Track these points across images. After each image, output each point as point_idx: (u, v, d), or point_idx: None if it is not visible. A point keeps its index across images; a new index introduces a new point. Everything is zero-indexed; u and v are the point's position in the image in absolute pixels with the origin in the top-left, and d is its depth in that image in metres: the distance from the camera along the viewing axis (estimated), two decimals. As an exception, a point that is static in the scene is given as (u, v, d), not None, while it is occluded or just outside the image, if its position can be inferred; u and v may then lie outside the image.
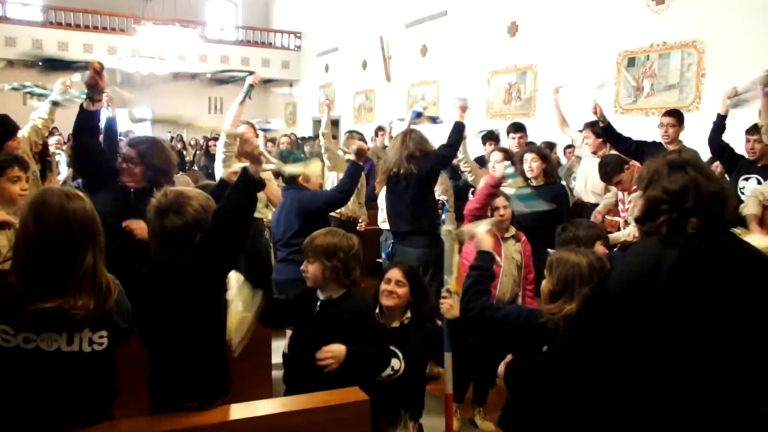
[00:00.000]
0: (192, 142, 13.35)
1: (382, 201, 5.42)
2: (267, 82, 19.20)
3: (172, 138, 12.38)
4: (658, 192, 1.94)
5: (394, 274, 2.97)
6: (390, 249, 5.35)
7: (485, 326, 2.46)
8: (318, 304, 2.68)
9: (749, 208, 3.67)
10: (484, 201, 3.61)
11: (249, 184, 2.24)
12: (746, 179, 4.30)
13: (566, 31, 9.04)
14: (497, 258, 2.83)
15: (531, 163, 4.62)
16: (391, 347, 2.84)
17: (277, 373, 3.98)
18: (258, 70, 17.78)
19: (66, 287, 1.84)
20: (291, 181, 4.10)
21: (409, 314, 2.97)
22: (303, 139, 10.58)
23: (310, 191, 4.13)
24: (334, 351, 2.48)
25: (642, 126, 6.97)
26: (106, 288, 1.93)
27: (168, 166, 3.31)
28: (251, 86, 4.63)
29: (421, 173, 4.29)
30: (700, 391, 1.87)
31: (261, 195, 4.40)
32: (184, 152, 11.51)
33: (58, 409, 1.92)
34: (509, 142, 5.76)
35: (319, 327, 2.63)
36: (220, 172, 4.38)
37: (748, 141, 4.51)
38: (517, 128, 5.80)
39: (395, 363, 2.82)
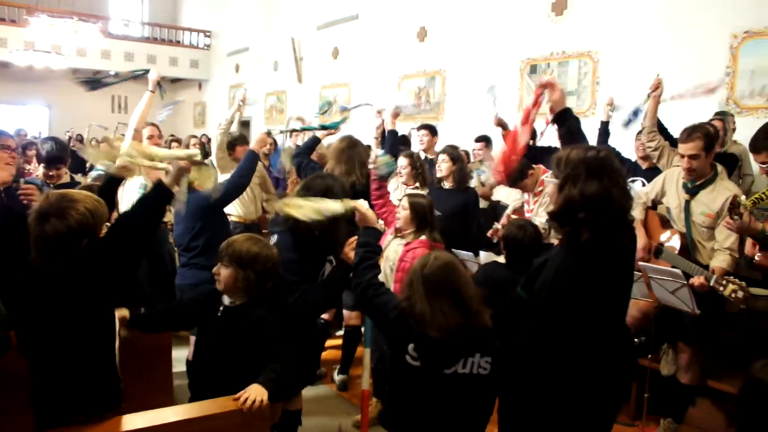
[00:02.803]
0: (93, 143, 12.77)
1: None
2: (175, 81, 18.66)
3: (70, 138, 11.77)
4: (576, 195, 2.04)
5: None
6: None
7: (366, 305, 2.54)
8: (221, 309, 2.63)
9: (635, 212, 3.90)
10: (375, 190, 3.90)
11: (163, 197, 2.26)
12: (633, 181, 4.59)
13: (473, 39, 9.30)
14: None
15: (441, 164, 4.77)
16: None
17: (180, 382, 3.91)
18: (165, 68, 17.34)
19: None
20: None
21: None
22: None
23: (206, 193, 4.12)
24: (254, 396, 2.29)
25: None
26: None
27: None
28: (160, 85, 4.55)
29: (364, 185, 4.27)
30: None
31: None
32: (85, 153, 10.95)
33: None
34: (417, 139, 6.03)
35: (221, 333, 2.59)
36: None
37: (638, 140, 4.83)
38: (424, 127, 6.11)
39: None
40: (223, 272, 2.57)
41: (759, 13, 6.12)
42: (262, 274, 2.58)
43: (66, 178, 4.12)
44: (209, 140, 9.24)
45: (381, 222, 3.57)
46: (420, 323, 2.25)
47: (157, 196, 2.30)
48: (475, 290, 2.32)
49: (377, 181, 3.99)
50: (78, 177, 4.55)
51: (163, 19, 18.56)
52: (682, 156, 3.51)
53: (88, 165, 6.67)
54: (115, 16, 18.28)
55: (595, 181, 2.02)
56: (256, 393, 2.25)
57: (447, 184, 4.75)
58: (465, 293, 2.29)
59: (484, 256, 4.23)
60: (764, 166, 3.08)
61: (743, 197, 2.97)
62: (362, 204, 2.75)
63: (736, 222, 2.87)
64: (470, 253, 4.08)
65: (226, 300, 2.64)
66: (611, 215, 2.02)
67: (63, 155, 4.09)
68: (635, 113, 4.79)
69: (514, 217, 4.86)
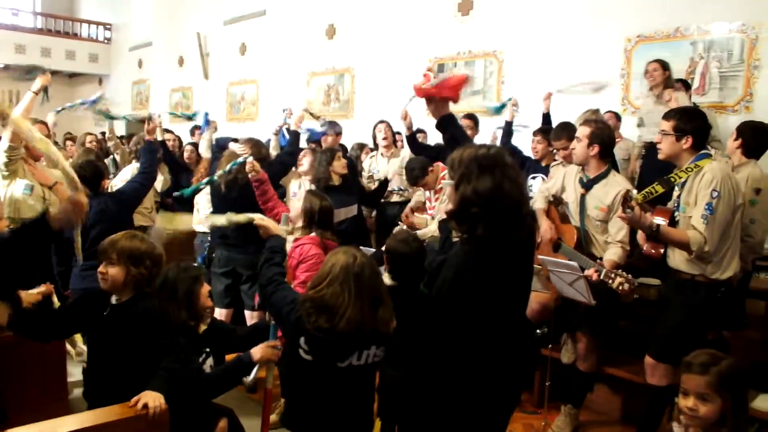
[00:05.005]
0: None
1: (201, 201, 5.26)
2: (72, 76, 17.74)
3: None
4: (469, 192, 2.08)
5: None
6: (206, 252, 5.21)
7: (266, 302, 2.55)
8: (109, 308, 2.56)
9: (537, 204, 4.04)
10: (260, 196, 3.90)
11: (43, 235, 2.19)
12: (533, 178, 4.76)
13: (382, 37, 9.36)
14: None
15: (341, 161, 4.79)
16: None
17: (78, 391, 3.72)
18: (62, 62, 16.45)
19: None
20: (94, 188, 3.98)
21: None
22: (121, 138, 9.84)
23: (110, 193, 4.02)
24: (151, 402, 2.24)
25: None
26: None
27: None
28: (46, 90, 4.36)
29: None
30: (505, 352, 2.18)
31: (54, 199, 4.09)
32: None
33: None
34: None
35: (110, 332, 2.52)
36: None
37: (532, 141, 5.03)
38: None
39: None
40: (111, 271, 2.54)
41: (650, 19, 6.51)
42: (152, 271, 2.61)
43: None
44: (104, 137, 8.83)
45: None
46: (327, 315, 2.25)
47: (37, 231, 2.18)
48: (386, 291, 2.38)
49: (259, 187, 3.94)
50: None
51: (58, 10, 17.57)
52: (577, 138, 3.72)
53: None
54: (2, 4, 17.10)
55: (487, 177, 2.07)
56: (152, 399, 2.19)
57: (335, 182, 4.73)
58: (383, 295, 2.35)
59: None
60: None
61: (634, 191, 3.13)
62: (258, 217, 2.80)
63: (628, 215, 3.03)
64: (373, 250, 4.11)
65: (113, 299, 2.60)
66: (505, 209, 2.08)
67: None
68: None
69: (416, 215, 4.94)
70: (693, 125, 3.20)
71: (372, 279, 2.32)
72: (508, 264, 2.12)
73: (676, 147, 3.22)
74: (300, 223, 3.61)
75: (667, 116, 3.31)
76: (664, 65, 5.26)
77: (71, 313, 2.70)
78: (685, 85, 5.23)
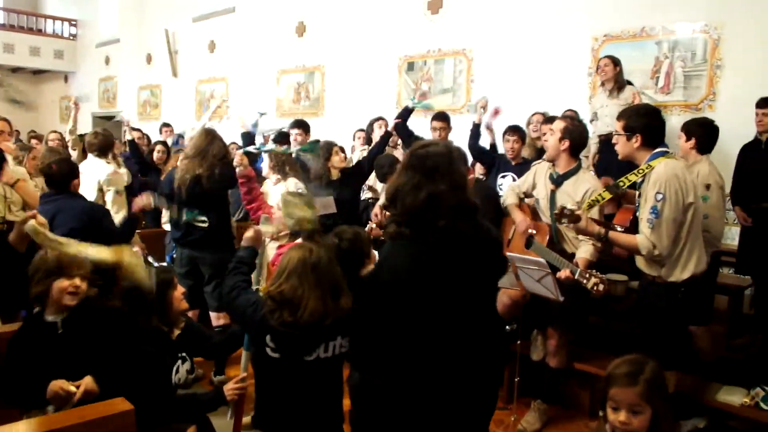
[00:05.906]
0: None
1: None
2: (37, 72, 17.36)
3: None
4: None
5: None
6: (174, 251, 5.14)
7: (230, 308, 2.58)
8: (59, 323, 2.50)
9: (509, 199, 4.06)
10: (245, 194, 3.87)
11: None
12: (504, 176, 4.79)
13: (352, 35, 9.34)
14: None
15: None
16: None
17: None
18: (26, 59, 16.10)
19: None
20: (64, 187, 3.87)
21: None
22: (80, 136, 9.65)
23: (91, 204, 3.94)
24: (90, 384, 2.30)
25: (420, 126, 7.43)
26: None
27: None
28: None
29: (223, 180, 4.13)
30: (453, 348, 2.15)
31: (16, 198, 4.00)
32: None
33: None
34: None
35: (67, 345, 2.46)
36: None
37: (507, 141, 5.03)
38: (297, 125, 5.84)
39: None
40: (83, 285, 2.53)
41: (616, 19, 6.59)
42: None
43: None
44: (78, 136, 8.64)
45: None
46: (289, 309, 2.25)
47: None
48: (343, 280, 2.40)
49: (245, 184, 3.88)
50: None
51: (21, 5, 17.16)
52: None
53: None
54: (-37, -1, 16.71)
55: (403, 177, 2.12)
56: (90, 382, 2.27)
57: (333, 176, 4.68)
58: (340, 283, 2.38)
59: None
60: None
61: (569, 205, 3.16)
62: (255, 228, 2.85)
63: (568, 226, 3.03)
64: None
65: (52, 318, 2.52)
66: (406, 208, 2.10)
67: None
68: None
69: (387, 213, 4.92)
70: (641, 123, 3.16)
71: (329, 269, 2.35)
72: (435, 262, 2.11)
73: (629, 146, 3.19)
74: (286, 230, 3.46)
75: (619, 117, 3.30)
76: (615, 61, 5.39)
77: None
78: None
